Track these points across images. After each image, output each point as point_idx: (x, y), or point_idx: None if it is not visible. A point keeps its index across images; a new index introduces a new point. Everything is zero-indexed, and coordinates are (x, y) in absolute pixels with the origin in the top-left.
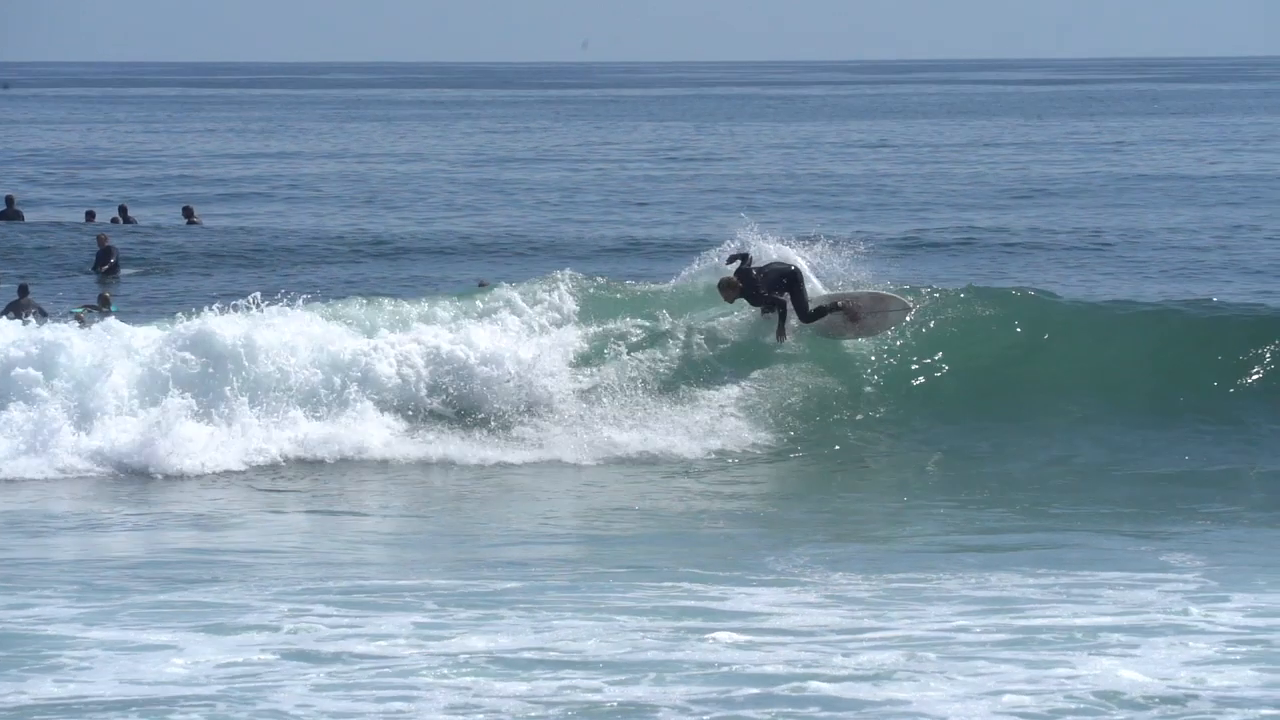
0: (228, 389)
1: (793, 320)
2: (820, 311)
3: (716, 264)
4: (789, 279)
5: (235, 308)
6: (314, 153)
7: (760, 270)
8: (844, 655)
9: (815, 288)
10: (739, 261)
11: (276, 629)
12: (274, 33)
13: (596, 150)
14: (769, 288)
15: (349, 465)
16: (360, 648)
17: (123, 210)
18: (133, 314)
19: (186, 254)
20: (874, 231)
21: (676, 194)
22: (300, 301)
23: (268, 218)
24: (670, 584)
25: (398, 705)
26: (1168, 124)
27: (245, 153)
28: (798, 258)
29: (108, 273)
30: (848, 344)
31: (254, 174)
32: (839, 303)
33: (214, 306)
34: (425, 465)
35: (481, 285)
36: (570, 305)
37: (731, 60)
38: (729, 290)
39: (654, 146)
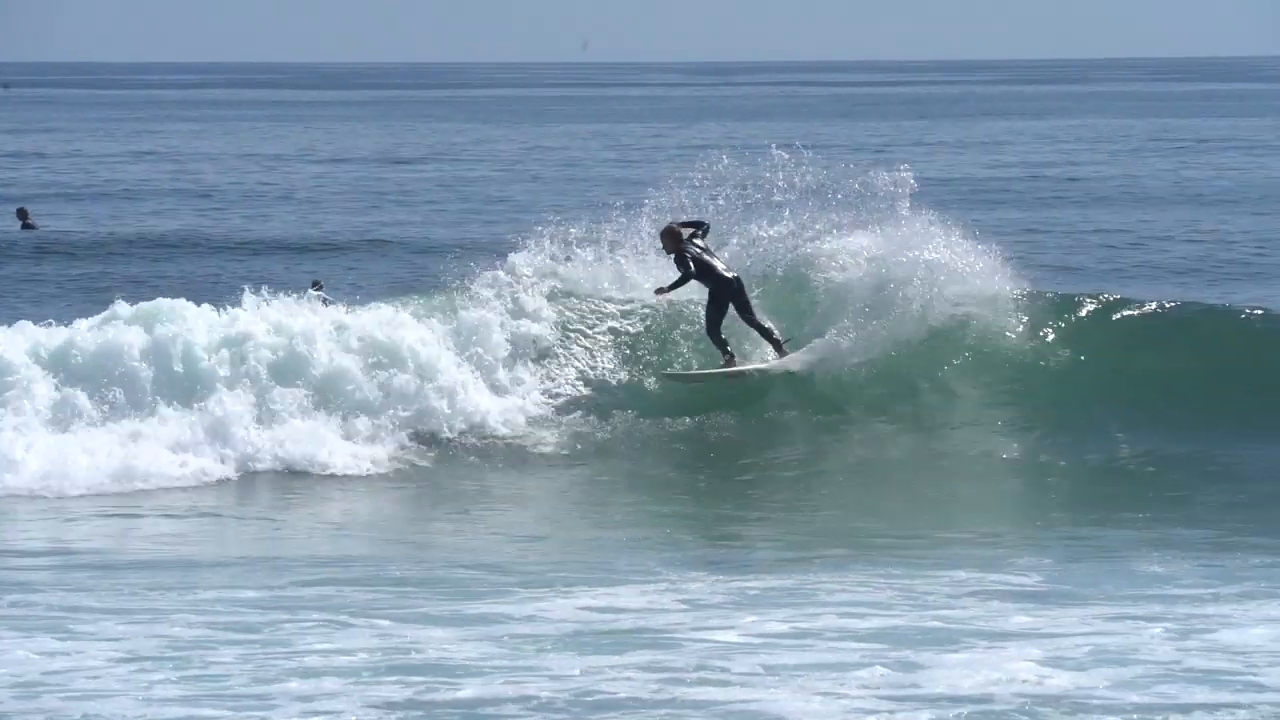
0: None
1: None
2: (716, 340)
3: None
4: (727, 287)
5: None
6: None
7: (707, 251)
8: (699, 657)
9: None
10: (693, 229)
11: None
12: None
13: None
14: (701, 278)
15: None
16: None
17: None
18: None
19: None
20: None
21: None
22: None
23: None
24: (539, 588)
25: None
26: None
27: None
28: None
29: None
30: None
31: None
32: (728, 361)
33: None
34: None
35: (315, 286)
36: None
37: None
38: (670, 239)
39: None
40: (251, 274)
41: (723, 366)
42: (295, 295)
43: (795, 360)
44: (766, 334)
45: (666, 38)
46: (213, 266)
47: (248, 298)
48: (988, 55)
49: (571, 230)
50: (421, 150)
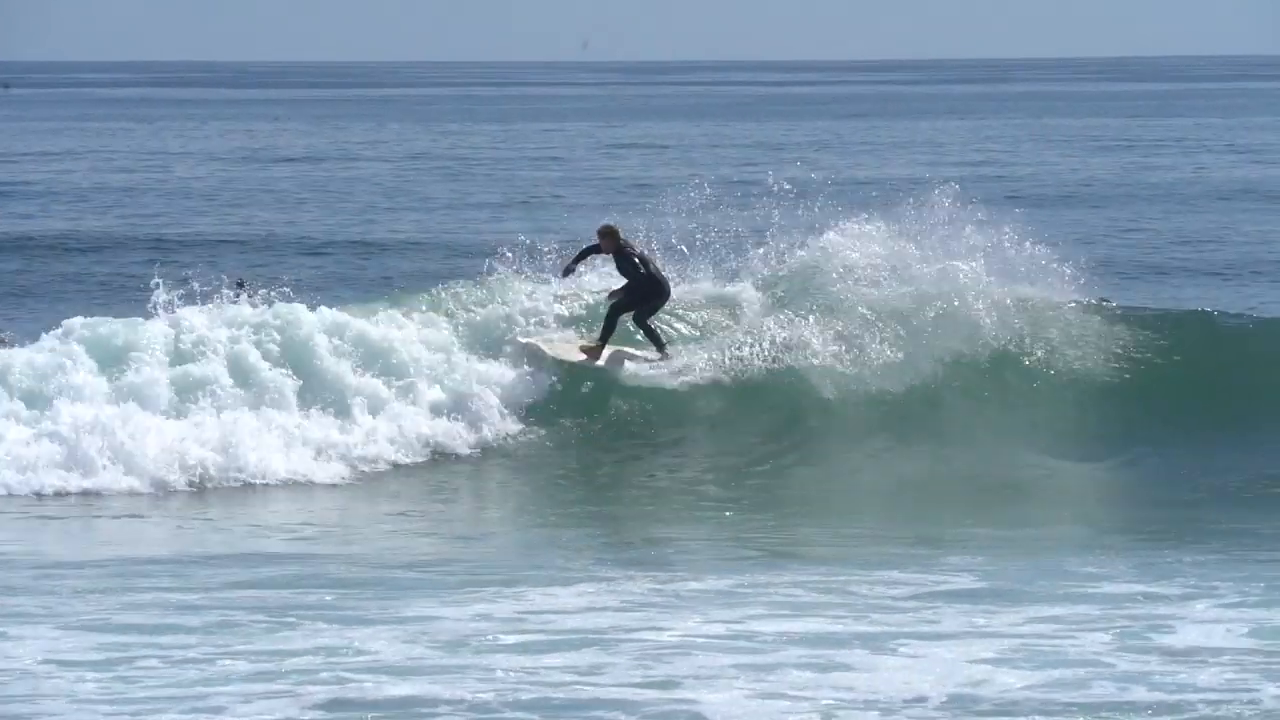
0: None
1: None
2: (609, 325)
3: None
4: (661, 291)
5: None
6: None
7: (644, 252)
8: (637, 658)
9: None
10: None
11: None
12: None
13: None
14: (647, 279)
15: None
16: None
17: None
18: None
19: None
20: None
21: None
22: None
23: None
24: (477, 588)
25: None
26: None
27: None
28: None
29: None
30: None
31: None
32: (594, 350)
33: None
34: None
35: (239, 285)
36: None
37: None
38: (611, 239)
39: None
40: (178, 272)
41: (585, 351)
42: (231, 292)
43: (667, 363)
44: (655, 338)
45: (666, 37)
46: (139, 264)
47: (159, 295)
48: (967, 56)
49: (544, 251)
50: (351, 149)
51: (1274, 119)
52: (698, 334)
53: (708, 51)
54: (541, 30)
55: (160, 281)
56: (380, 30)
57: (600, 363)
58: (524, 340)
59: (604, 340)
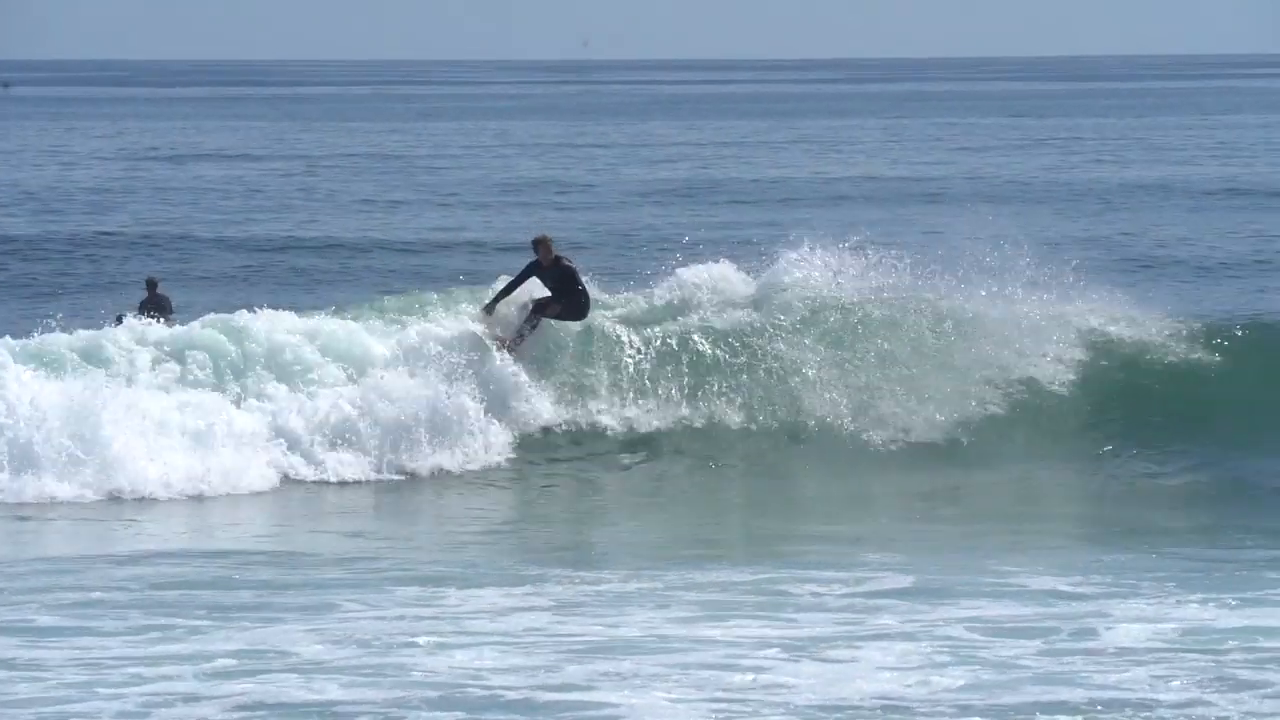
0: None
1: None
2: (530, 323)
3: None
4: (581, 310)
5: None
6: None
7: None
8: (561, 658)
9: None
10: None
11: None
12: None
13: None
14: (584, 295)
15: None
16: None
17: None
18: None
19: None
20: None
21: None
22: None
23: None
24: (403, 586)
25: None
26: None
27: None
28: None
29: None
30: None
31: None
32: (513, 340)
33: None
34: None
35: (151, 285)
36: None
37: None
38: (544, 247)
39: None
40: (100, 273)
41: (504, 345)
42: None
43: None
44: (529, 329)
45: (665, 36)
46: (57, 265)
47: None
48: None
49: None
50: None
51: (1188, 118)
52: (645, 339)
53: (702, 50)
54: (541, 30)
55: (56, 321)
56: (382, 31)
57: (514, 352)
58: (472, 324)
59: (522, 335)
